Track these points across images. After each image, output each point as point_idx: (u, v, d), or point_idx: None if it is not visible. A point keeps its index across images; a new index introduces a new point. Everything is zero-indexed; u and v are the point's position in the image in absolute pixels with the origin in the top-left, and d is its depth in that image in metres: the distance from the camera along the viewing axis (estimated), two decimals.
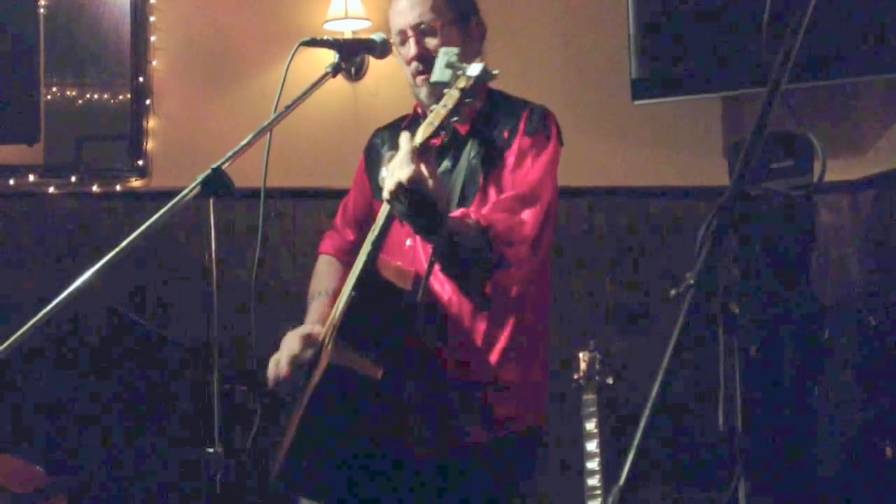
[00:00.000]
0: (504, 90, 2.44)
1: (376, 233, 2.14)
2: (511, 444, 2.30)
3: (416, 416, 2.23)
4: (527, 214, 2.21)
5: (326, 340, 2.26)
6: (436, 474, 2.24)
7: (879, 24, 3.47)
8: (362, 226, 2.57)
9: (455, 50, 2.10)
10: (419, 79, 2.33)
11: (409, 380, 2.20)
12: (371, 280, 2.13)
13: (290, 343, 2.30)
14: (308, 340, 2.29)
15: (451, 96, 2.04)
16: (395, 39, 2.37)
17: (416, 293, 2.14)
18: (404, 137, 2.03)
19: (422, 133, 2.06)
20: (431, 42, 2.31)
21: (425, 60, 2.30)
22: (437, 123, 2.04)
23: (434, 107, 2.08)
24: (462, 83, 2.04)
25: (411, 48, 2.33)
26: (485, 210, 2.22)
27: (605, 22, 4.10)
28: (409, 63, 2.35)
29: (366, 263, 2.14)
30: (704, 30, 3.71)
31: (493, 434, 2.27)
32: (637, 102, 3.87)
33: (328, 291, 2.52)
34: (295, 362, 2.28)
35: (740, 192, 1.34)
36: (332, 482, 2.26)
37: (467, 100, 2.03)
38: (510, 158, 2.27)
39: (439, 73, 2.08)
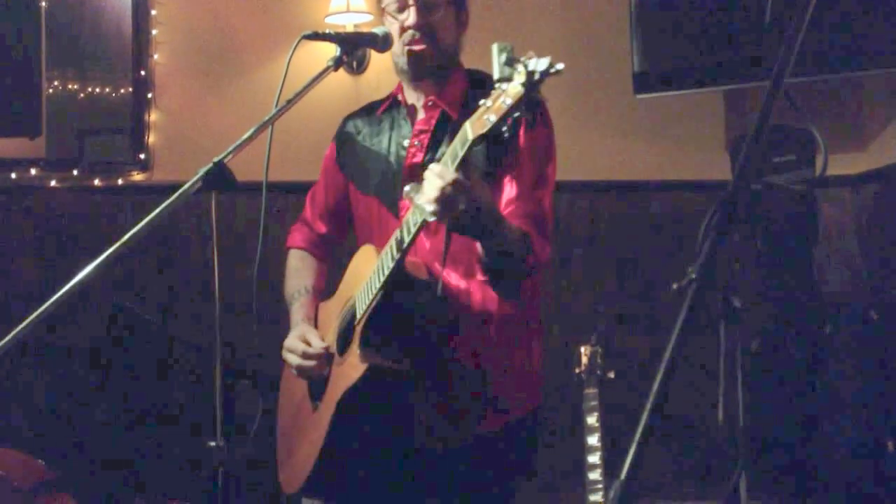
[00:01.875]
0: (478, 68, 2.35)
1: (409, 240, 2.07)
2: (517, 428, 2.31)
3: (430, 408, 2.24)
4: (539, 228, 2.20)
5: (331, 331, 2.27)
6: (447, 464, 2.25)
7: (882, 18, 3.47)
8: (333, 217, 2.54)
9: (508, 45, 1.93)
10: (412, 47, 2.27)
11: (425, 371, 2.20)
12: (400, 281, 2.12)
13: (290, 347, 2.34)
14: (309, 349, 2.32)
15: (514, 91, 1.86)
16: (391, 6, 2.30)
17: (435, 286, 2.14)
18: (432, 168, 1.97)
19: (473, 129, 1.92)
20: (435, 16, 2.27)
21: (425, 31, 2.26)
22: (494, 120, 1.88)
23: (484, 101, 1.92)
24: (525, 78, 1.86)
25: (411, 16, 2.27)
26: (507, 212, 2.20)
27: (607, 15, 4.10)
28: (404, 31, 2.28)
29: (394, 268, 2.10)
30: (706, 23, 3.70)
31: (502, 421, 2.27)
32: (639, 96, 3.86)
33: (308, 289, 2.49)
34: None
35: (742, 186, 1.34)
36: (355, 482, 2.28)
37: (531, 96, 1.86)
38: (511, 154, 2.24)
39: (500, 70, 1.89)
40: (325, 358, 2.29)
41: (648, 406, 1.18)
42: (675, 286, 1.28)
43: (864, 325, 3.89)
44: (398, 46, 2.30)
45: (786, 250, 3.63)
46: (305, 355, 2.30)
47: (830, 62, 3.52)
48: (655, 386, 1.19)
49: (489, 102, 1.89)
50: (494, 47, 1.92)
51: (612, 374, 3.24)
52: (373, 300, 2.14)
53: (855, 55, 3.52)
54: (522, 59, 1.88)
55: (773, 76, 1.41)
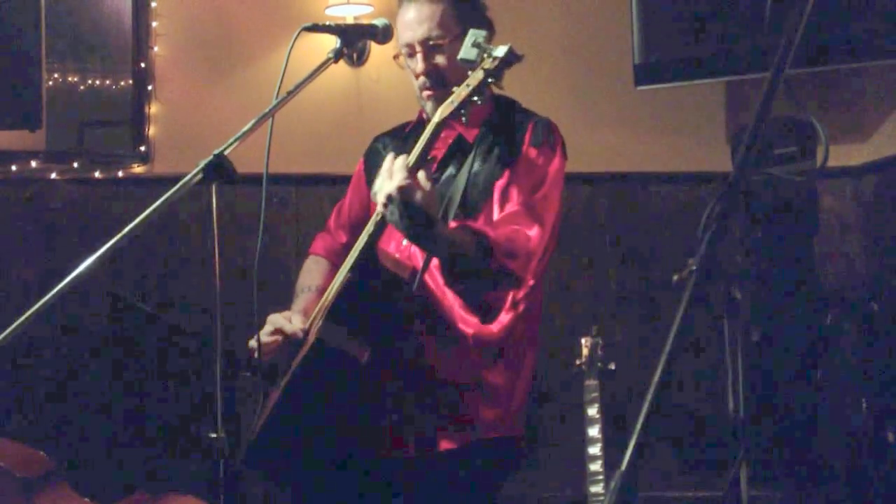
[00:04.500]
0: (513, 97, 2.43)
1: (378, 218, 2.14)
2: (485, 450, 2.27)
3: (395, 412, 2.23)
4: (532, 229, 2.20)
5: (315, 321, 2.26)
6: (406, 474, 2.24)
7: (883, 9, 3.46)
8: (356, 229, 2.53)
9: (483, 32, 2.14)
10: (426, 94, 2.32)
11: (392, 371, 2.19)
12: (369, 264, 2.14)
13: (272, 318, 2.32)
14: (291, 321, 2.30)
15: (475, 76, 2.08)
16: (402, 50, 2.36)
17: (411, 284, 2.15)
18: (390, 156, 2.06)
19: (440, 113, 2.11)
20: (439, 58, 2.30)
21: (432, 76, 2.30)
22: (457, 103, 2.09)
23: (455, 88, 2.11)
24: (488, 63, 2.07)
25: (419, 63, 2.31)
26: (491, 223, 2.21)
27: (608, 6, 4.09)
28: (416, 77, 2.34)
29: (365, 246, 2.14)
30: (707, 14, 3.69)
31: (465, 438, 2.25)
32: (640, 88, 3.86)
33: (312, 288, 2.50)
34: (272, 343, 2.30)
35: (743, 177, 1.33)
36: (298, 468, 2.25)
37: (490, 80, 2.07)
38: (516, 170, 2.26)
39: (465, 51, 2.11)
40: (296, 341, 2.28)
41: (649, 397, 1.18)
42: (675, 278, 1.28)
43: (864, 315, 3.89)
44: (417, 92, 2.36)
45: (786, 241, 3.63)
46: (277, 331, 2.30)
47: (831, 53, 3.51)
48: (656, 377, 1.19)
49: (459, 88, 2.10)
50: (469, 31, 2.15)
51: (612, 366, 3.25)
52: (342, 280, 2.18)
53: (856, 46, 3.52)
54: (488, 45, 2.10)
55: (773, 67, 1.41)
